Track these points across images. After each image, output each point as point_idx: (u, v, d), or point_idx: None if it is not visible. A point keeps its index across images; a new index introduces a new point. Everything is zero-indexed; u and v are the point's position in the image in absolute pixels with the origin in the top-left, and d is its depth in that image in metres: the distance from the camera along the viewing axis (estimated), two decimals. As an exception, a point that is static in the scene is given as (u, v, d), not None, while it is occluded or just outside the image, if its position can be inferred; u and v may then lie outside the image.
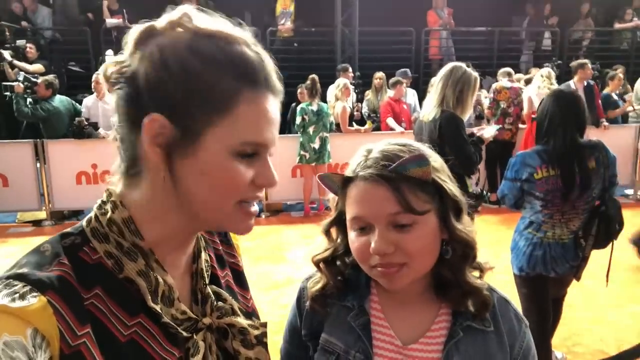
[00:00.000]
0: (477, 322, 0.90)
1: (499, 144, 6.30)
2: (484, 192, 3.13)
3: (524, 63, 10.07)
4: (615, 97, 7.23)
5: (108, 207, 0.70)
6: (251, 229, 0.73)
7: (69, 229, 0.70)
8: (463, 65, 3.13)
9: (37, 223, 6.21)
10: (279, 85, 0.70)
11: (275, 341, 1.19)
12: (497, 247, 3.93)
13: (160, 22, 0.66)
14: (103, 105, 6.43)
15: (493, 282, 0.96)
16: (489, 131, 3.28)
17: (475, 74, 3.09)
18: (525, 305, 2.60)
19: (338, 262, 0.97)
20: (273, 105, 0.68)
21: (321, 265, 0.97)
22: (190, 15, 0.65)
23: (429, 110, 3.13)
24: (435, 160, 0.91)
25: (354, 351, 0.90)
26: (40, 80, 6.20)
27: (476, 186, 3.05)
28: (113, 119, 0.70)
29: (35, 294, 0.58)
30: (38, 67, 7.54)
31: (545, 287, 2.55)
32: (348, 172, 0.90)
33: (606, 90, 7.30)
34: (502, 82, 6.52)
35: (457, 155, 2.95)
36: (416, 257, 0.85)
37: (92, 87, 6.45)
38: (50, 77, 6.45)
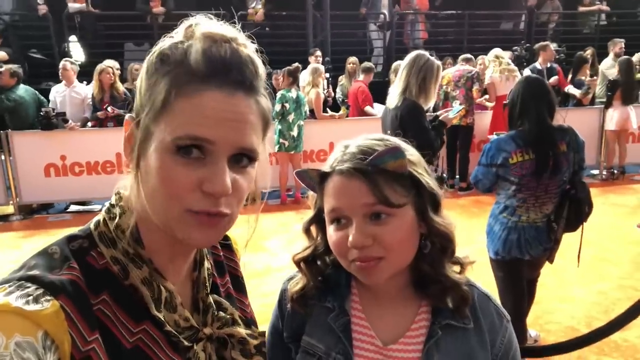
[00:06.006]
0: (456, 320, 0.90)
1: (452, 129, 6.14)
2: (444, 176, 3.23)
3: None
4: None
5: (116, 211, 0.70)
6: (209, 241, 0.68)
7: (76, 232, 0.70)
8: (426, 53, 3.20)
9: (4, 218, 6.01)
10: (247, 81, 0.65)
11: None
12: (471, 229, 4.03)
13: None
14: (71, 93, 6.24)
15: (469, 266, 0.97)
16: (452, 112, 3.36)
17: (437, 62, 3.16)
18: (501, 288, 2.69)
19: (318, 262, 0.97)
20: (225, 102, 0.63)
21: (302, 264, 0.96)
22: (194, 23, 0.66)
23: (393, 98, 3.19)
24: (412, 154, 0.91)
25: (335, 352, 0.89)
26: (4, 68, 5.96)
27: (435, 171, 3.11)
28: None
29: (48, 297, 0.59)
30: (2, 54, 7.24)
31: (520, 269, 2.64)
32: (325, 168, 0.90)
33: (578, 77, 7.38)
34: (449, 69, 6.67)
35: (418, 142, 2.99)
36: (394, 250, 0.84)
37: (60, 74, 6.22)
38: (15, 66, 6.20)
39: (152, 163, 0.63)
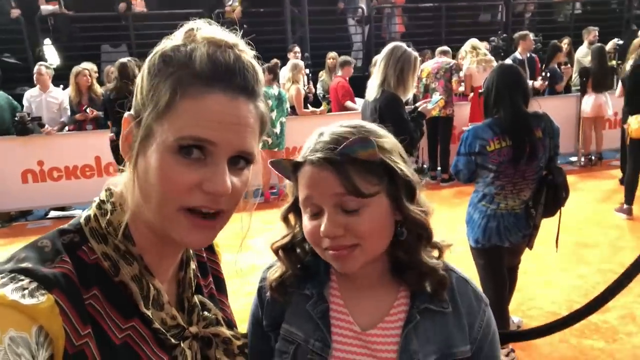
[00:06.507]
0: (435, 304, 0.90)
1: (432, 121, 6.15)
2: (424, 167, 3.25)
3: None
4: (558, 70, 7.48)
5: (108, 207, 0.70)
6: (203, 242, 0.70)
7: (65, 226, 0.70)
8: (403, 45, 3.23)
9: (-18, 226, 5.90)
10: (249, 86, 0.66)
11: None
12: (452, 220, 4.06)
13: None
14: (47, 98, 6.13)
15: (450, 255, 0.97)
16: (431, 103, 3.40)
17: (415, 53, 3.19)
18: (482, 275, 2.72)
19: (297, 250, 0.97)
20: (229, 106, 0.64)
21: (280, 252, 0.96)
22: (194, 28, 0.67)
23: (372, 90, 3.21)
24: (386, 140, 0.90)
25: (313, 340, 0.90)
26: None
27: (415, 163, 3.14)
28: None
29: (42, 291, 0.58)
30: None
31: (500, 257, 2.67)
32: (299, 157, 0.90)
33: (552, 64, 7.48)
34: (427, 62, 6.70)
35: (397, 134, 3.02)
36: (367, 239, 0.84)
37: (35, 79, 6.10)
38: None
39: (152, 162, 0.64)
